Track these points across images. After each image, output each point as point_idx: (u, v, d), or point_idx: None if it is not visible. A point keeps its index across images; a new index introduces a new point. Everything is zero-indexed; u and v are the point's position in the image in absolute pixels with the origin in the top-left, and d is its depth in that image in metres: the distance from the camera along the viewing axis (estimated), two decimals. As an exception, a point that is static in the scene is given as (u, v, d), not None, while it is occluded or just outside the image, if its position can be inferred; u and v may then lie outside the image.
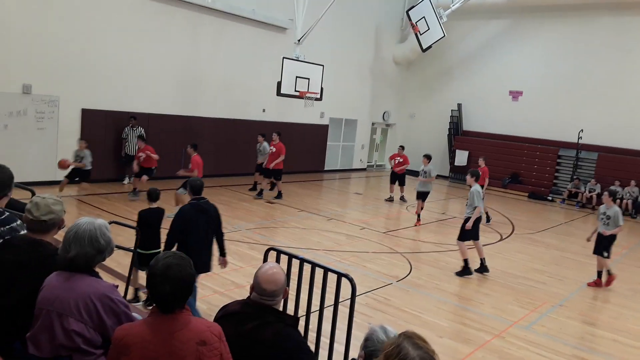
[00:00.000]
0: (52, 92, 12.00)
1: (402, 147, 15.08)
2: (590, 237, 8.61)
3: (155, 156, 11.52)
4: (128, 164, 12.79)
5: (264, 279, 2.62)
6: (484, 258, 8.58)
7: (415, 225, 11.83)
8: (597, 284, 8.43)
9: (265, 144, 13.75)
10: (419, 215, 12.07)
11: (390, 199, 14.72)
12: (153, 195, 6.09)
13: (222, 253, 5.61)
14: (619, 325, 6.80)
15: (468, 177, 8.42)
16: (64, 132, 12.31)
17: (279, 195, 13.34)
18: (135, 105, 13.47)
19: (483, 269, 8.55)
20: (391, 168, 14.96)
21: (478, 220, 8.40)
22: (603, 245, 8.26)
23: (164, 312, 2.24)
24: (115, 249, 2.67)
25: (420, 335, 1.92)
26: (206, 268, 5.45)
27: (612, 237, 8.22)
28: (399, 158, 14.63)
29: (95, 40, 12.49)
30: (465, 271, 8.35)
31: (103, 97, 12.88)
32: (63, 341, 2.37)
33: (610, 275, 8.42)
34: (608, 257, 8.26)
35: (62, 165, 10.30)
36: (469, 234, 8.35)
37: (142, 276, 6.75)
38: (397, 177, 14.64)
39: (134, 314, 2.59)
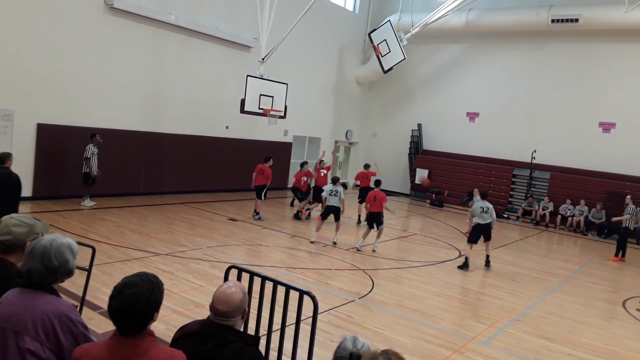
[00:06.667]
0: (6, 106, 11.57)
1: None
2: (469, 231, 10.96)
3: None
4: (93, 184, 12.36)
5: (217, 299, 2.59)
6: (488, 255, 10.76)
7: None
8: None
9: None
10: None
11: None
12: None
13: None
14: (573, 340, 7.03)
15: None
16: (18, 147, 11.80)
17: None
18: (95, 121, 13.12)
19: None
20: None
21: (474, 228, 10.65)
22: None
23: (119, 332, 2.19)
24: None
25: (401, 356, 1.98)
26: None
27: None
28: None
29: (54, 53, 12.18)
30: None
31: (61, 111, 12.49)
32: None
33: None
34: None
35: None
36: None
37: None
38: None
39: (92, 337, 2.51)
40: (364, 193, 14.51)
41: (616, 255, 13.07)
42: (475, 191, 14.06)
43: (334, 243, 11.23)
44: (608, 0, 16.89)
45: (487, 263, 10.70)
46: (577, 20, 17.35)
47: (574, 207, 17.38)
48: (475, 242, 10.59)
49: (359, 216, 14.58)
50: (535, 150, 18.45)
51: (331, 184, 11.88)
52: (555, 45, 18.94)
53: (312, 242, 11.14)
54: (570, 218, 17.22)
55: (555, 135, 18.76)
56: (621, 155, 17.51)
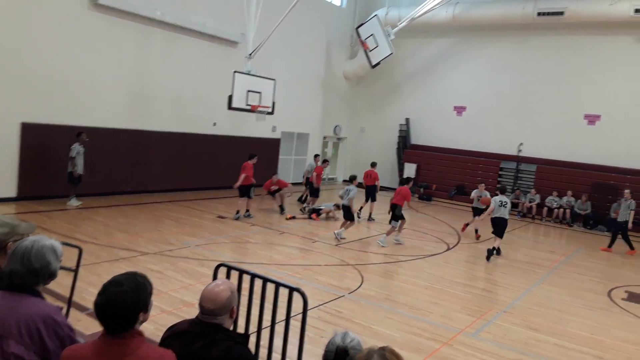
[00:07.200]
0: (-13, 105, 11.39)
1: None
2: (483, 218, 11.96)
3: None
4: (78, 184, 12.24)
5: (204, 297, 2.59)
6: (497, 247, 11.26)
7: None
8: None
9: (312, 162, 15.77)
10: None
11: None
12: None
13: None
14: (560, 330, 7.12)
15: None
16: (2, 147, 11.65)
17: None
18: (81, 119, 12.95)
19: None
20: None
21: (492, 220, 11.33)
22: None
23: (105, 331, 2.18)
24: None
25: (397, 353, 2.01)
26: None
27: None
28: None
29: (38, 51, 11.99)
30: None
31: (46, 110, 12.29)
32: None
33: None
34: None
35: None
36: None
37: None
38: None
39: (79, 339, 2.49)
40: (368, 192, 14.88)
41: (631, 248, 13.10)
42: (481, 186, 13.68)
43: (339, 238, 11.31)
44: (592, -7, 17.04)
45: (489, 255, 10.90)
46: (562, 13, 17.48)
47: (560, 199, 17.58)
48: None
49: (370, 213, 14.59)
50: (521, 143, 18.60)
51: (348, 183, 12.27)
52: (541, 39, 19.07)
53: (342, 238, 11.32)
54: (556, 210, 17.42)
55: (542, 128, 18.92)
56: (606, 147, 17.71)
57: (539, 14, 17.93)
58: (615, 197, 16.65)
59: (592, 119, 18.18)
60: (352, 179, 12.18)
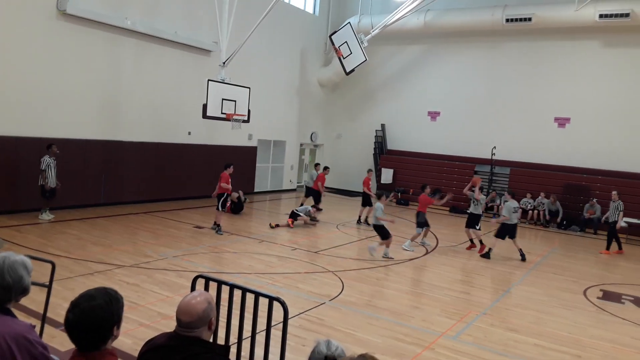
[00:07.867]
0: (-48, 118, 11.02)
1: None
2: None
3: None
4: (52, 197, 11.93)
5: (180, 309, 2.53)
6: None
7: None
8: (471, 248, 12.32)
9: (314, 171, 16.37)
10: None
11: None
12: None
13: None
14: (539, 330, 7.21)
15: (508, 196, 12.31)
16: (-33, 160, 11.31)
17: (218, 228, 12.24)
18: (50, 131, 12.64)
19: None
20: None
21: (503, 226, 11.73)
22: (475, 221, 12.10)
23: (77, 348, 2.11)
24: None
25: (378, 359, 2.00)
26: None
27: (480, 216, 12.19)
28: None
29: (5, 61, 11.66)
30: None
31: (14, 122, 11.95)
32: None
33: (482, 244, 11.96)
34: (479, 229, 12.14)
35: None
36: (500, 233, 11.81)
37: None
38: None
39: (53, 356, 2.41)
40: (363, 198, 15.39)
41: (607, 248, 13.44)
42: (476, 189, 12.36)
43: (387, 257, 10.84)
44: (559, 0, 17.51)
45: (522, 256, 11.63)
46: (530, 19, 17.92)
47: (534, 201, 17.92)
48: (503, 239, 11.68)
49: (359, 217, 15.18)
50: (495, 147, 18.92)
51: None
52: (511, 44, 19.50)
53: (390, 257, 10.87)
54: (530, 211, 17.74)
55: (514, 131, 19.31)
56: (576, 149, 18.17)
57: (507, 20, 18.34)
58: (587, 197, 17.08)
59: (562, 122, 18.63)
60: (379, 196, 11.22)
